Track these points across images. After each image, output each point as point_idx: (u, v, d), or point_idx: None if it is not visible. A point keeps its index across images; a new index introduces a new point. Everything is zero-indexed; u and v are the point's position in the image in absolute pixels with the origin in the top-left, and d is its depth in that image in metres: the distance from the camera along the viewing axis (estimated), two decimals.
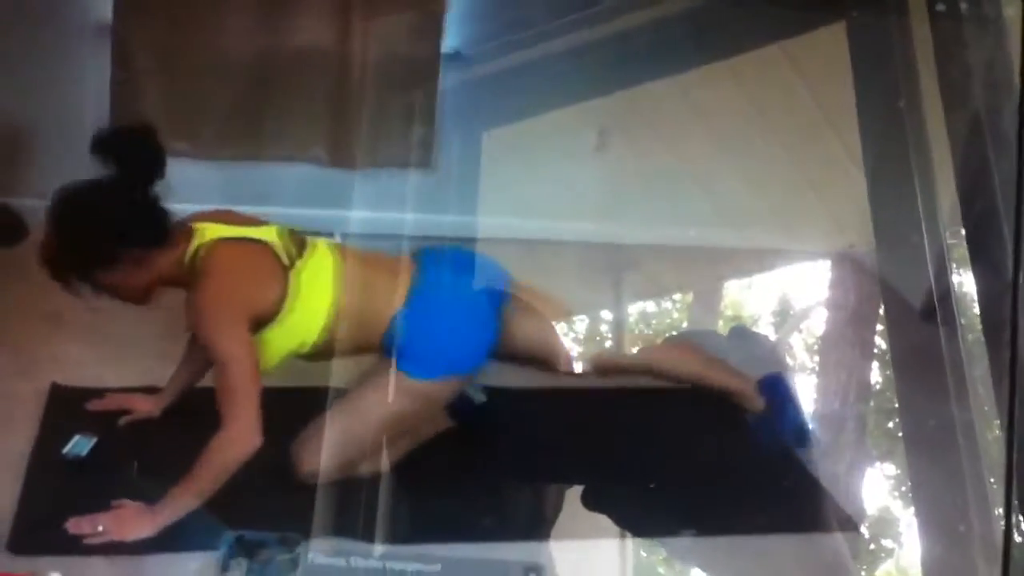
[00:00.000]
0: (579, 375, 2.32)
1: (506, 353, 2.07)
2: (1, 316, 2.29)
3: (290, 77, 2.61)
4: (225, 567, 1.61)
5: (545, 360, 2.20)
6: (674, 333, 4.22)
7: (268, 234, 1.85)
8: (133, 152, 1.76)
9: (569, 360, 2.23)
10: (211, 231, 1.82)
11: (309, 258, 1.86)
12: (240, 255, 1.81)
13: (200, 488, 1.73)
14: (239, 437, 1.72)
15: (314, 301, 1.84)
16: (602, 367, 2.31)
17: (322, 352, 1.90)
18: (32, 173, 2.57)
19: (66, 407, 2.07)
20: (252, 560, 1.64)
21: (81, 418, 2.03)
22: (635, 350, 2.36)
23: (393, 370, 1.90)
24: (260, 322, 1.80)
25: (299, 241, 1.89)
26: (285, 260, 1.83)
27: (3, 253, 2.33)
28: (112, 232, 1.75)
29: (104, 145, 1.73)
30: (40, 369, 2.17)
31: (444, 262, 2.03)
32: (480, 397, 2.21)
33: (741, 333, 3.41)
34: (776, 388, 2.38)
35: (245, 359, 1.74)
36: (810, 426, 2.44)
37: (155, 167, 1.77)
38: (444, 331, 1.95)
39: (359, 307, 1.88)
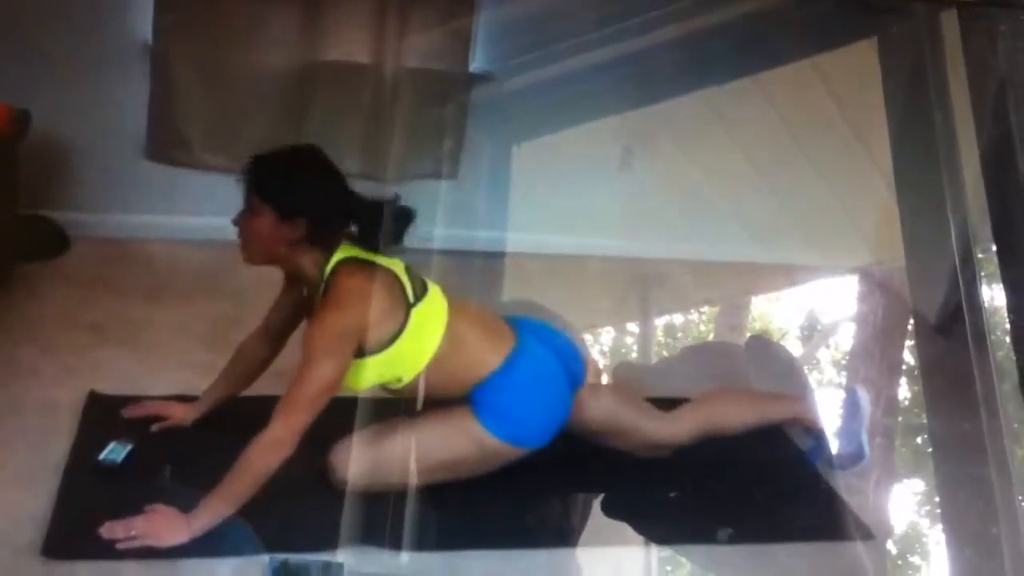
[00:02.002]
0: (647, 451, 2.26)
1: (571, 430, 2.12)
2: (44, 325, 2.34)
3: (324, 91, 2.66)
4: None
5: (609, 437, 2.21)
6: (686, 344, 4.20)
7: (396, 266, 1.92)
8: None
9: (640, 442, 2.19)
10: (346, 251, 1.88)
11: (429, 299, 1.92)
12: (372, 281, 1.86)
13: (237, 491, 1.77)
14: (280, 439, 1.76)
15: (423, 341, 1.90)
16: (659, 445, 2.23)
17: (408, 389, 1.96)
18: (73, 187, 2.63)
19: (103, 414, 2.11)
20: None
21: (117, 425, 2.07)
22: (680, 413, 2.26)
23: (474, 419, 1.96)
24: (369, 348, 1.85)
25: (421, 281, 1.96)
26: (411, 296, 1.89)
27: (46, 264, 2.38)
28: (338, 194, 1.87)
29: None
30: (79, 377, 2.21)
31: (540, 336, 2.09)
32: None
33: (758, 344, 3.40)
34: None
35: (329, 383, 1.79)
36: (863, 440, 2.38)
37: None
38: (530, 402, 2.02)
39: (458, 358, 1.95)
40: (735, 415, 2.31)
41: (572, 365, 2.11)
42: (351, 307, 1.82)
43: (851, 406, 2.34)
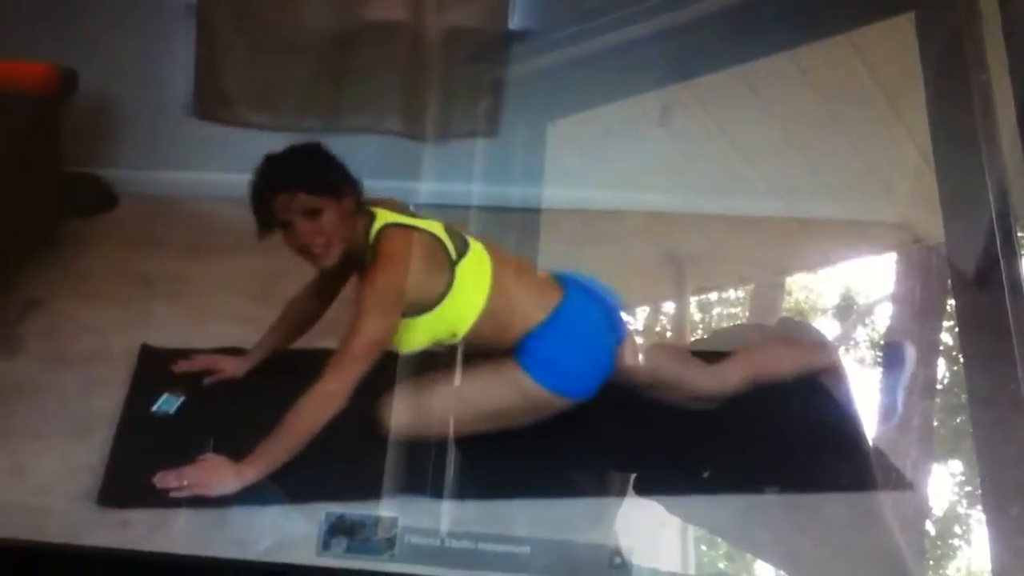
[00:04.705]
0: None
1: (618, 383, 2.14)
2: (93, 280, 2.40)
3: (365, 50, 2.70)
4: (326, 545, 1.65)
5: (655, 390, 2.22)
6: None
7: (436, 227, 1.97)
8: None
9: (687, 395, 2.21)
10: (388, 216, 1.93)
11: (471, 255, 1.97)
12: (417, 244, 1.91)
13: (290, 442, 1.80)
14: (333, 391, 1.80)
15: (471, 296, 1.95)
16: (707, 398, 2.24)
17: (458, 344, 2.01)
18: (120, 145, 2.69)
19: (155, 367, 2.15)
20: (351, 539, 1.68)
21: (169, 377, 2.11)
22: (726, 365, 2.29)
23: (520, 369, 1.99)
24: (419, 308, 1.91)
25: (461, 238, 2.00)
26: (453, 254, 1.94)
27: (94, 221, 2.43)
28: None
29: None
30: (130, 329, 2.26)
31: (585, 289, 2.13)
32: None
33: (789, 324, 3.38)
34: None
35: (380, 337, 1.85)
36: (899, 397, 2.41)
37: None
38: (576, 353, 2.04)
39: (506, 310, 2.00)
40: (779, 363, 2.33)
41: (615, 319, 2.14)
42: (399, 269, 1.87)
43: (894, 360, 2.32)
